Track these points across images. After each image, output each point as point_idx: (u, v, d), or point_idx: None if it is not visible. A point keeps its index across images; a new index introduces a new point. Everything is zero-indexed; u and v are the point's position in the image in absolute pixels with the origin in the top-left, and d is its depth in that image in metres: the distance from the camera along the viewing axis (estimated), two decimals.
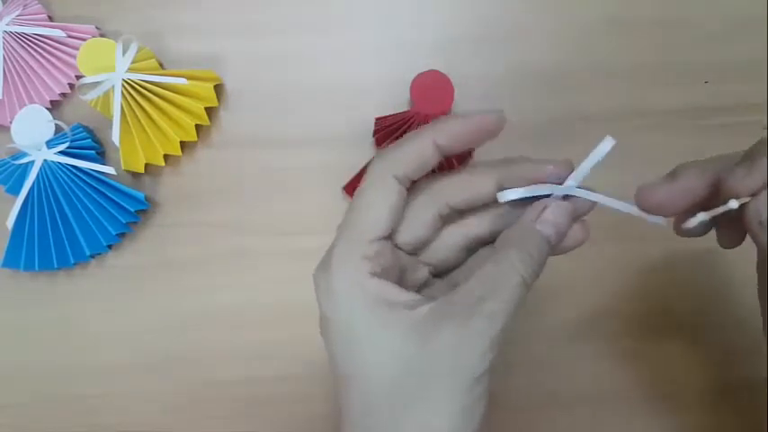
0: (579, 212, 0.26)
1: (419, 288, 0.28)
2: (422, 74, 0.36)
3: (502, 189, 0.26)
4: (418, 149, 0.25)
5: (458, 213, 0.27)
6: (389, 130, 0.37)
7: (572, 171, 0.25)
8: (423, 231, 0.27)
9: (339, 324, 0.24)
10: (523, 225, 0.25)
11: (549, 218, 0.25)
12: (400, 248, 0.27)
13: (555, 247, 0.25)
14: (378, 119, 0.38)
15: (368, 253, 0.24)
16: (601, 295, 0.39)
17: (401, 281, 0.27)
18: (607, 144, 0.24)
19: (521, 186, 0.26)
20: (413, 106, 0.37)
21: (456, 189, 0.27)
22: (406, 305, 0.24)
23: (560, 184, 0.25)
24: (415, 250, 0.28)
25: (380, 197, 0.25)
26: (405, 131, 0.36)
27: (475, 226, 0.28)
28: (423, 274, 0.28)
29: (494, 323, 0.23)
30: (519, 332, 0.38)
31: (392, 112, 0.38)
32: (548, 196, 0.26)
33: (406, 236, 0.27)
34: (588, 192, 0.25)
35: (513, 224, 0.25)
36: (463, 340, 0.22)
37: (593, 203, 0.26)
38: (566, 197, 0.26)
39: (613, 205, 0.26)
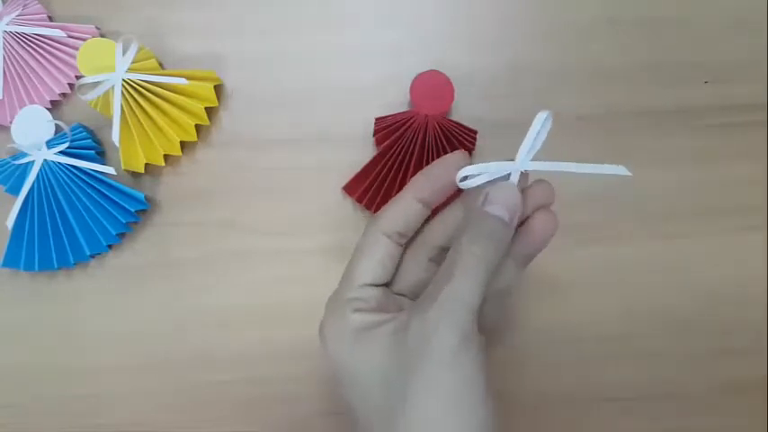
0: (539, 200, 0.27)
1: None
2: (422, 74, 0.36)
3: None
4: (401, 208, 0.28)
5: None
6: (389, 131, 0.37)
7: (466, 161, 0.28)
8: (416, 276, 0.29)
9: (337, 362, 0.27)
10: (470, 211, 0.26)
11: (495, 198, 0.26)
12: (403, 295, 0.30)
13: (511, 224, 0.26)
14: (378, 119, 0.38)
15: (354, 295, 0.27)
16: (600, 295, 0.39)
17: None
18: (542, 115, 0.26)
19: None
20: (413, 106, 0.37)
21: (434, 231, 0.29)
22: (387, 321, 0.26)
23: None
24: (415, 296, 0.29)
25: (368, 251, 0.28)
26: (405, 132, 0.36)
27: (433, 238, 0.30)
28: None
29: (450, 307, 0.24)
30: (519, 332, 0.38)
31: (392, 112, 0.38)
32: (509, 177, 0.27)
33: (403, 283, 0.29)
34: (544, 163, 0.26)
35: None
36: (422, 330, 0.24)
37: (551, 190, 0.27)
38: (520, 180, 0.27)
39: (571, 169, 0.26)
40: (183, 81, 0.38)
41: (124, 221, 0.38)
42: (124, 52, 0.38)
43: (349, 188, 0.38)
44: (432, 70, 0.36)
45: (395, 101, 0.39)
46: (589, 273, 0.39)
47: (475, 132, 0.37)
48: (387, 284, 0.29)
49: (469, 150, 0.38)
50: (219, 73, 0.40)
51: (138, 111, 0.38)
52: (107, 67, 0.38)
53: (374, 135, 0.39)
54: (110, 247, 0.39)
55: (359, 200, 0.38)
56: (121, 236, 0.39)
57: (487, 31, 0.41)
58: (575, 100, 0.40)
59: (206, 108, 0.38)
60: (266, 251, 0.39)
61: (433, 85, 0.36)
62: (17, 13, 0.40)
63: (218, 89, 0.40)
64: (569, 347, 0.38)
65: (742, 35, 0.40)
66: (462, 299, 0.24)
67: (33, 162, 0.38)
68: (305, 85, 0.40)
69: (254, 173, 0.40)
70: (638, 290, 0.39)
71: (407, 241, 0.30)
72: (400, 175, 0.37)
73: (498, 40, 0.40)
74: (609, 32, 0.40)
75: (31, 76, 0.40)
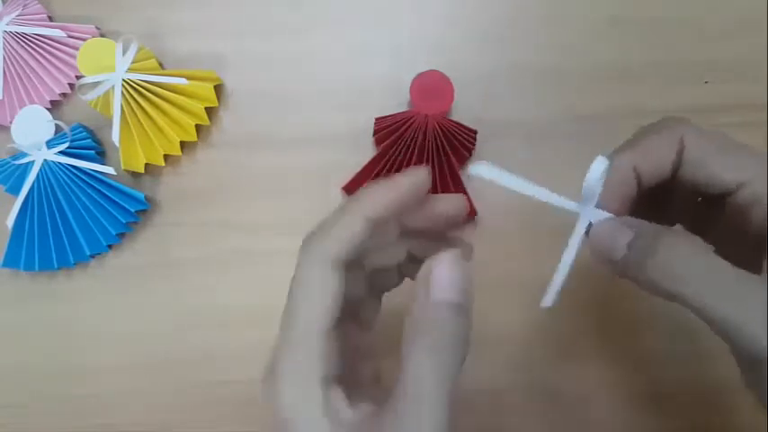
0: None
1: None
2: (422, 74, 0.36)
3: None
4: (348, 229, 0.22)
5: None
6: (390, 131, 0.37)
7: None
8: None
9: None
10: (418, 305, 0.21)
11: (440, 283, 0.21)
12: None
13: (468, 306, 0.21)
14: (378, 119, 0.38)
15: (315, 351, 0.22)
16: (600, 295, 0.39)
17: (356, 361, 0.25)
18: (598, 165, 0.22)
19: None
20: (413, 106, 0.37)
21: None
22: (352, 425, 0.21)
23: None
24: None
25: (316, 290, 0.22)
26: (405, 132, 0.36)
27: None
28: (376, 308, 0.27)
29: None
30: (518, 332, 0.38)
31: (392, 112, 0.38)
32: None
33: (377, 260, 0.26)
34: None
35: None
36: None
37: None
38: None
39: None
40: (183, 81, 0.38)
41: (124, 221, 0.38)
42: (124, 52, 0.38)
43: (349, 188, 0.38)
44: (431, 70, 0.36)
45: (395, 101, 0.39)
46: (588, 272, 0.39)
47: (475, 132, 0.37)
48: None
49: (469, 150, 0.38)
50: (219, 73, 0.40)
51: (138, 111, 0.38)
52: (107, 67, 0.38)
53: (374, 135, 0.39)
54: (110, 247, 0.39)
55: None
56: (121, 236, 0.39)
57: (487, 31, 0.41)
58: (574, 100, 0.40)
59: (206, 108, 0.38)
60: (266, 251, 0.39)
61: (432, 85, 0.36)
62: (17, 13, 0.40)
63: (218, 89, 0.40)
64: (568, 347, 0.38)
65: (742, 35, 0.40)
66: (431, 422, 0.20)
67: (33, 162, 0.38)
68: (305, 85, 0.40)
69: (254, 173, 0.40)
70: (638, 289, 0.39)
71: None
72: None
73: (498, 40, 0.40)
74: (609, 32, 0.40)
75: (31, 76, 0.40)
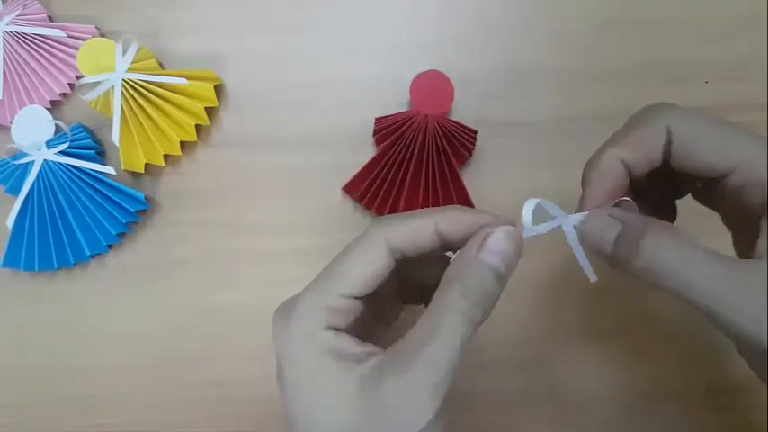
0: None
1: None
2: (422, 74, 0.36)
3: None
4: (418, 228, 0.24)
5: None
6: (390, 131, 0.37)
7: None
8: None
9: (290, 371, 0.23)
10: (465, 257, 0.23)
11: (493, 246, 0.23)
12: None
13: (505, 278, 0.23)
14: (378, 119, 0.38)
15: (333, 305, 0.23)
16: (600, 295, 0.39)
17: (370, 331, 0.26)
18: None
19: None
20: (413, 106, 0.37)
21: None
22: (357, 358, 0.22)
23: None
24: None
25: (367, 259, 0.24)
26: (405, 132, 0.36)
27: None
28: (397, 313, 0.28)
29: (434, 371, 0.21)
30: (517, 332, 0.38)
31: (392, 112, 0.38)
32: None
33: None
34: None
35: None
36: (401, 392, 0.21)
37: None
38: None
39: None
40: (182, 81, 0.38)
41: (124, 221, 0.38)
42: (124, 52, 0.38)
43: (349, 188, 0.38)
44: (432, 70, 0.36)
45: (395, 101, 0.39)
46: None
47: (475, 132, 0.37)
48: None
49: (469, 151, 0.38)
50: (219, 73, 0.40)
51: (138, 111, 0.38)
52: (107, 67, 0.38)
53: (374, 135, 0.39)
54: (110, 247, 0.39)
55: (359, 200, 0.38)
56: (121, 236, 0.39)
57: (487, 32, 0.41)
58: (575, 100, 0.40)
59: (206, 108, 0.38)
60: (266, 251, 0.39)
61: (433, 85, 0.36)
62: (17, 13, 0.40)
63: (218, 89, 0.40)
64: (568, 347, 0.38)
65: (742, 35, 0.40)
66: (447, 362, 0.21)
67: (33, 162, 0.38)
68: (305, 85, 0.40)
69: (254, 173, 0.40)
70: (638, 289, 0.39)
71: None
72: (400, 174, 0.37)
73: (498, 40, 0.40)
74: (609, 32, 0.40)
75: (31, 76, 0.40)
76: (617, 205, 0.25)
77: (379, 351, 0.23)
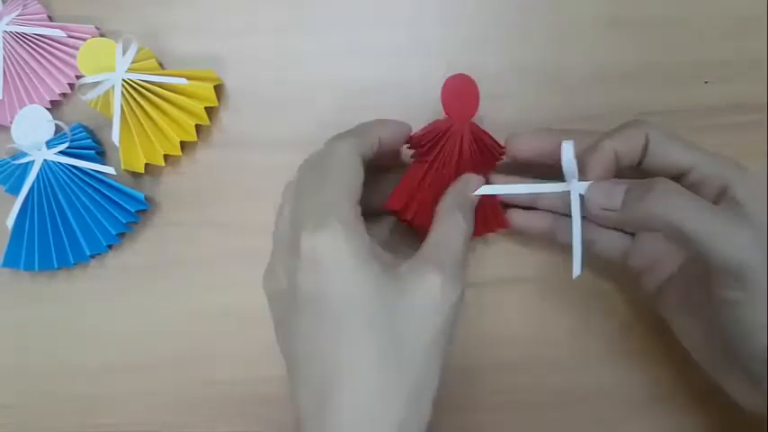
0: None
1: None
2: (451, 78, 0.34)
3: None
4: (373, 139, 0.31)
5: None
6: (433, 142, 0.34)
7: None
8: None
9: (339, 273, 0.26)
10: (453, 192, 0.32)
11: (469, 184, 0.33)
12: None
13: (474, 202, 0.33)
14: (413, 137, 0.35)
15: (359, 213, 0.28)
16: (600, 295, 0.39)
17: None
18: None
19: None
20: (446, 113, 0.34)
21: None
22: (391, 263, 0.28)
23: None
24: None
25: (356, 169, 0.29)
26: (446, 143, 0.34)
27: None
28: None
29: (452, 255, 0.29)
30: (517, 333, 0.38)
31: (392, 112, 0.37)
32: None
33: None
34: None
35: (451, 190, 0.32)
36: (430, 287, 0.27)
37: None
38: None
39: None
40: (182, 81, 0.38)
41: (124, 221, 0.38)
42: (124, 52, 0.38)
43: (393, 203, 0.34)
44: (459, 74, 0.34)
45: (395, 101, 0.39)
46: (588, 272, 0.39)
47: (503, 147, 0.36)
48: None
49: (496, 161, 0.36)
50: (219, 73, 0.40)
51: (138, 111, 0.38)
52: (107, 67, 0.38)
53: (418, 148, 0.35)
54: (110, 247, 0.39)
55: (404, 215, 0.34)
56: (121, 236, 0.39)
57: (487, 31, 0.40)
58: (575, 100, 0.40)
59: (206, 108, 0.38)
60: (266, 251, 0.39)
61: (462, 90, 0.34)
62: (17, 13, 0.40)
63: (218, 89, 0.40)
64: (569, 347, 0.38)
65: (742, 35, 0.40)
66: (459, 249, 0.29)
67: (33, 162, 0.38)
68: (305, 85, 0.40)
69: (254, 173, 0.40)
70: (636, 289, 0.39)
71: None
72: (444, 186, 0.34)
73: (498, 40, 0.40)
74: (609, 32, 0.40)
75: (31, 76, 0.40)
76: None
77: (401, 260, 0.28)
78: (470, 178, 0.33)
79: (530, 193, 0.34)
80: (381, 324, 0.26)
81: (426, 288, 0.27)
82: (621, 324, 0.38)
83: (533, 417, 0.38)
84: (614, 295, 0.39)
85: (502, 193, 0.34)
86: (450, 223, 0.30)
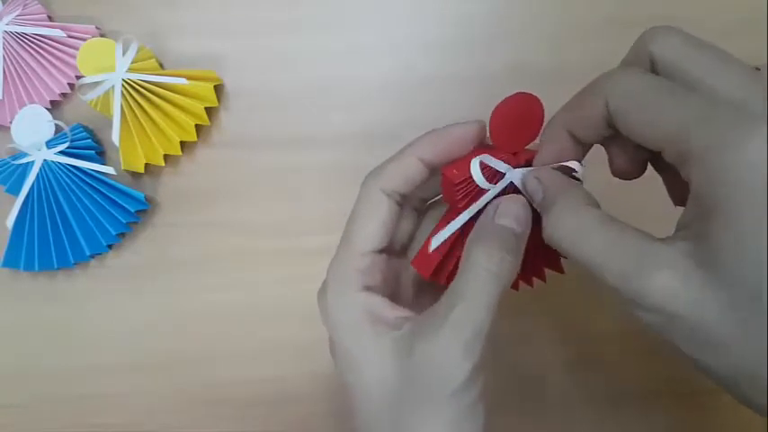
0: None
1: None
2: (506, 100, 0.26)
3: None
4: (403, 166, 0.26)
5: None
6: (473, 187, 0.25)
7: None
8: (402, 229, 0.28)
9: (337, 339, 0.25)
10: (482, 224, 0.25)
11: (505, 210, 0.24)
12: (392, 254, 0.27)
13: (522, 236, 0.24)
14: (445, 175, 0.25)
15: (359, 266, 0.25)
16: (595, 298, 0.39)
17: (398, 290, 0.27)
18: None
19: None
20: (493, 144, 0.26)
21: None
22: (392, 324, 0.24)
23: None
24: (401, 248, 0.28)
25: (370, 212, 0.25)
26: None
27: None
28: None
29: (464, 329, 0.22)
30: (515, 332, 0.38)
31: (391, 112, 0.38)
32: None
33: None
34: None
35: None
36: (435, 353, 0.22)
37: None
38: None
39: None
40: (183, 81, 0.38)
41: (124, 221, 0.38)
42: (124, 52, 0.38)
43: (420, 264, 0.26)
44: (519, 93, 0.27)
45: (395, 101, 0.39)
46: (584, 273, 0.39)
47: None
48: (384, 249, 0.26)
49: None
50: (219, 73, 0.40)
51: (138, 111, 0.38)
52: (107, 67, 0.38)
53: (456, 193, 0.25)
54: (110, 247, 0.39)
55: (436, 278, 0.26)
56: (121, 236, 0.39)
57: (487, 31, 0.40)
58: None
59: (206, 108, 0.38)
60: (266, 251, 0.39)
61: (520, 113, 0.27)
62: (17, 13, 0.40)
63: (218, 89, 0.40)
64: (569, 347, 0.38)
65: (742, 35, 0.40)
66: (476, 321, 0.22)
67: (33, 162, 0.38)
68: (305, 85, 0.40)
69: (254, 173, 0.40)
70: None
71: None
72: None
73: (498, 40, 0.40)
74: (609, 32, 0.40)
75: (31, 76, 0.40)
76: (563, 168, 0.25)
77: (413, 316, 0.24)
78: (502, 201, 0.25)
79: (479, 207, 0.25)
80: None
81: (420, 362, 0.23)
82: (621, 323, 0.38)
83: (532, 417, 0.38)
84: (607, 298, 0.39)
85: (453, 229, 0.25)
86: (470, 273, 0.23)
